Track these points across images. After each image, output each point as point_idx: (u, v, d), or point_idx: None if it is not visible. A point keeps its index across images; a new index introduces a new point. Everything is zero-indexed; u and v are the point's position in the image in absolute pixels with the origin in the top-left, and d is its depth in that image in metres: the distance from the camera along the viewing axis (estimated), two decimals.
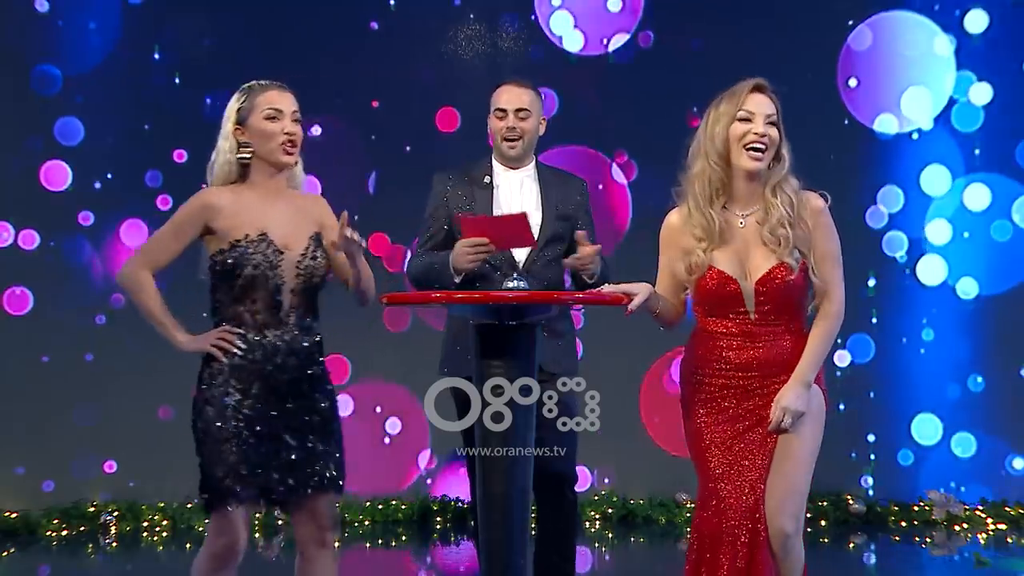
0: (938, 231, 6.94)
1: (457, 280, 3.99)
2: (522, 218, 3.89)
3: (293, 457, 3.40)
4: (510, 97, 4.13)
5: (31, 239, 6.60)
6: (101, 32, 6.63)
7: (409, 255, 4.23)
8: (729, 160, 3.40)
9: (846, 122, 6.92)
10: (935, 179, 6.94)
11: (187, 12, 6.70)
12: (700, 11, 6.89)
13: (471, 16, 6.90)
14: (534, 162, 4.21)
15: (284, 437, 3.40)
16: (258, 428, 3.37)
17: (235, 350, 3.38)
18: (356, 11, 6.84)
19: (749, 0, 6.90)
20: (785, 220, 3.39)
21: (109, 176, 6.66)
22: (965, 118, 6.93)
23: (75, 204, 6.62)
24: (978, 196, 6.94)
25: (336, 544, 6.16)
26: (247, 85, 3.53)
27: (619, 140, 6.87)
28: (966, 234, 6.95)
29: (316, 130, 6.41)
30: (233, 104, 3.50)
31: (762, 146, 3.38)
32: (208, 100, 6.61)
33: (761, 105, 3.40)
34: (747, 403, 3.45)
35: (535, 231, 4.04)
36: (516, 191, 4.15)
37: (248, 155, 3.46)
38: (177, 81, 6.70)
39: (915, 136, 6.94)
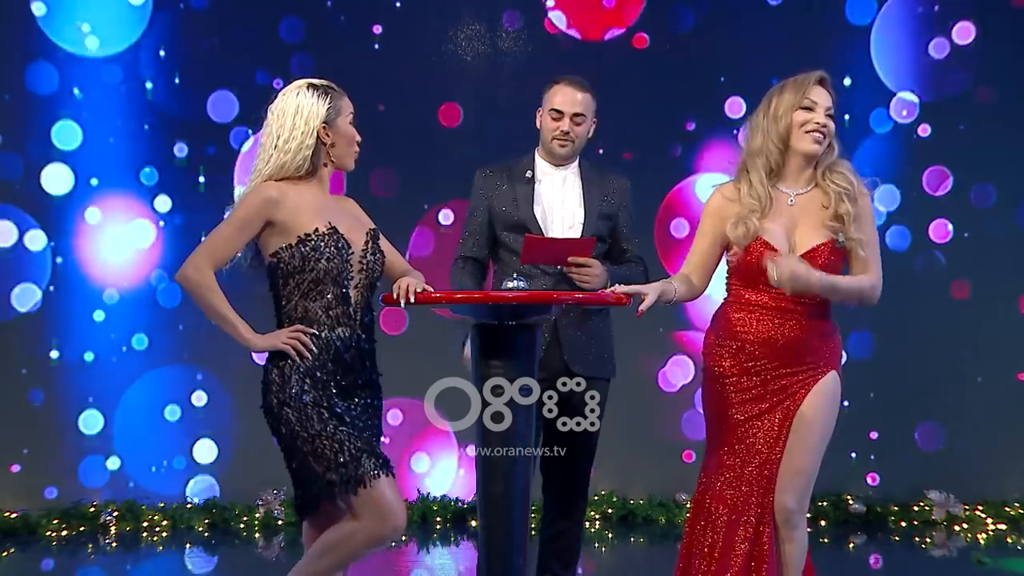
0: (939, 230, 6.95)
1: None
2: (588, 243, 3.90)
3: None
4: (566, 99, 4.07)
5: (37, 239, 6.58)
6: (99, 31, 6.61)
7: (455, 254, 4.19)
8: (788, 143, 3.59)
9: (847, 117, 6.91)
10: (937, 178, 6.95)
11: (188, 12, 6.69)
12: (698, 6, 6.91)
13: (471, 16, 6.87)
14: (578, 160, 4.18)
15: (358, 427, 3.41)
16: (340, 416, 3.36)
17: (307, 353, 3.35)
18: (359, 12, 6.82)
19: None
20: (844, 195, 3.57)
21: (109, 176, 6.64)
22: (966, 116, 6.93)
23: (76, 203, 6.61)
24: (978, 196, 6.95)
25: None
26: (321, 85, 3.51)
27: (620, 138, 6.85)
28: (966, 234, 6.96)
29: None
30: (317, 102, 3.45)
31: (822, 135, 3.59)
32: (208, 100, 6.63)
33: (823, 97, 3.63)
34: (770, 385, 3.57)
35: (578, 230, 4.05)
36: (558, 187, 4.11)
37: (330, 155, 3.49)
38: (177, 81, 6.70)
39: (915, 134, 6.95)
